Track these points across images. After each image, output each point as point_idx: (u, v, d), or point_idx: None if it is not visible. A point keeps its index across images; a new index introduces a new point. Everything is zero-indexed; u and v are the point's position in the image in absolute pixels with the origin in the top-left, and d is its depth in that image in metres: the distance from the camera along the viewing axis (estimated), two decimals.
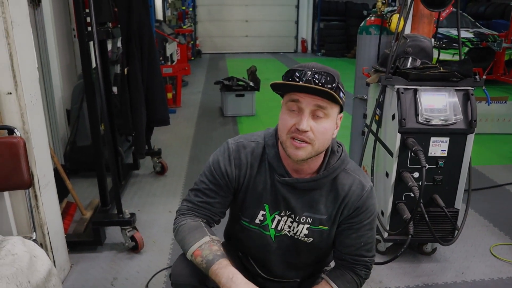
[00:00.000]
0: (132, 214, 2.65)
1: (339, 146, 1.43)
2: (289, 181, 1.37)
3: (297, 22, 15.37)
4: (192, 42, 12.38)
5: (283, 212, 1.42)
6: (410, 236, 2.31)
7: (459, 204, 2.46)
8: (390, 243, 2.64)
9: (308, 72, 1.24)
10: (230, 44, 15.20)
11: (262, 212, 1.43)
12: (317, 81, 1.23)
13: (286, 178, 1.37)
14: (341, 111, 1.32)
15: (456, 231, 2.46)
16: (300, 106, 1.25)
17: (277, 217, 1.43)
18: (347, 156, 1.44)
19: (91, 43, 2.53)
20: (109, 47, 3.50)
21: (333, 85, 1.24)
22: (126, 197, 3.44)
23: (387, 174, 2.47)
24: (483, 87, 2.39)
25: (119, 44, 3.55)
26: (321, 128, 1.26)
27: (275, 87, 1.28)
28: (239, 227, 1.51)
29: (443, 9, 2.54)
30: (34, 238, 2.01)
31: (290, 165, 1.37)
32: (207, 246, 1.34)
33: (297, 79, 1.24)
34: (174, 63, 7.55)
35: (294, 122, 1.26)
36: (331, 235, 1.46)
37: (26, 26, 2.04)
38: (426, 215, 2.30)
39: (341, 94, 1.28)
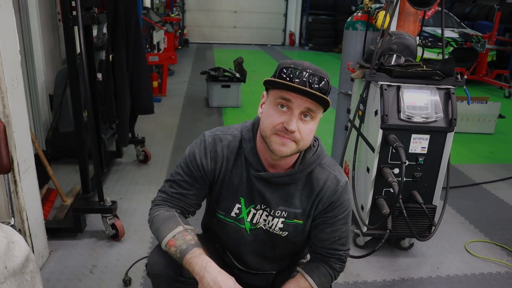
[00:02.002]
0: (114, 202, 2.64)
1: (315, 141, 1.44)
2: (264, 176, 1.38)
3: (285, 15, 15.34)
4: (179, 31, 12.26)
5: (259, 205, 1.43)
6: (388, 231, 2.35)
7: (437, 201, 2.51)
8: (369, 237, 2.69)
9: (304, 73, 1.24)
10: (218, 34, 15.09)
11: (237, 205, 1.44)
12: (312, 84, 1.23)
13: (261, 173, 1.38)
14: (324, 111, 1.33)
15: (433, 227, 2.52)
16: (291, 106, 1.25)
17: (253, 211, 1.44)
18: (323, 151, 1.45)
19: (76, 28, 2.49)
20: (95, 33, 3.45)
21: (327, 89, 1.26)
22: (108, 185, 3.42)
23: (368, 169, 2.51)
24: (464, 87, 2.43)
25: (105, 30, 3.50)
26: (307, 129, 1.28)
27: (269, 82, 1.28)
28: (215, 220, 1.52)
29: (429, 8, 2.58)
30: (12, 223, 1.99)
31: (267, 160, 1.37)
32: (181, 236, 1.34)
33: (291, 77, 1.24)
34: (160, 52, 7.47)
35: (282, 120, 1.26)
36: (305, 229, 1.48)
37: (8, 8, 2.00)
38: (404, 211, 2.34)
39: (329, 96, 1.29)
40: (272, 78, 1.27)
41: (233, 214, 1.46)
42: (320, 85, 1.24)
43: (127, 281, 2.27)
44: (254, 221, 1.46)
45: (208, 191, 1.48)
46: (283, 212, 1.43)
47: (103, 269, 2.40)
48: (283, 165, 1.38)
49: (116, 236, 2.64)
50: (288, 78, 1.24)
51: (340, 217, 1.44)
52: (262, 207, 1.44)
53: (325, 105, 1.26)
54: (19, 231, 2.16)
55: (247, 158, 1.40)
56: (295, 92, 1.22)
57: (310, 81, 1.23)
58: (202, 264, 1.26)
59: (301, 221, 1.45)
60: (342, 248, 1.49)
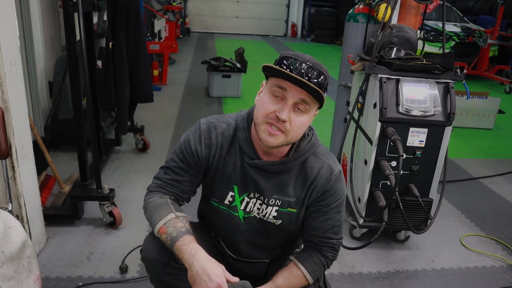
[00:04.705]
0: (111, 190, 2.65)
1: (310, 130, 1.45)
2: (258, 164, 1.39)
3: (288, 6, 15.23)
4: (181, 19, 12.18)
5: (252, 194, 1.44)
6: (384, 223, 2.37)
7: (434, 194, 2.53)
8: (365, 229, 2.70)
9: (303, 64, 1.25)
10: (220, 24, 15.00)
11: (231, 193, 1.45)
12: (310, 76, 1.24)
13: (255, 161, 1.39)
14: (319, 108, 1.34)
15: (429, 221, 2.53)
16: (285, 95, 1.25)
17: (246, 199, 1.45)
18: (318, 140, 1.45)
19: (76, 14, 2.48)
20: (95, 20, 3.43)
21: (324, 84, 1.26)
22: (107, 173, 3.43)
23: (365, 162, 2.52)
24: (463, 81, 2.43)
25: (105, 17, 3.48)
26: (299, 121, 1.28)
27: (267, 69, 1.28)
28: (209, 207, 1.53)
29: (430, 2, 2.57)
30: (9, 209, 2.00)
31: (261, 148, 1.38)
32: (172, 223, 1.36)
33: (291, 68, 1.24)
34: (162, 40, 7.44)
35: (275, 109, 1.27)
36: (299, 218, 1.49)
37: None
38: (400, 204, 2.35)
39: (325, 93, 1.29)
40: (271, 65, 1.27)
41: (226, 202, 1.47)
42: (318, 79, 1.25)
43: (123, 269, 2.29)
44: (248, 210, 1.47)
45: (203, 178, 1.49)
46: (277, 201, 1.44)
47: (100, 256, 2.42)
48: (277, 153, 1.39)
49: (113, 223, 2.66)
50: (287, 68, 1.25)
51: (334, 205, 1.45)
52: (256, 196, 1.45)
53: (319, 100, 1.26)
54: (17, 216, 2.17)
55: (241, 146, 1.41)
56: (291, 81, 1.23)
57: (309, 74, 1.24)
58: (192, 251, 1.27)
59: (295, 210, 1.46)
60: (335, 237, 1.50)
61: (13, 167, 2.10)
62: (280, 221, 1.47)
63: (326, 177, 1.41)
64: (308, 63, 1.25)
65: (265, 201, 1.45)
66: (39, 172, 2.50)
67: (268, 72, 1.30)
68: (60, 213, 2.70)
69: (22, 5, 3.11)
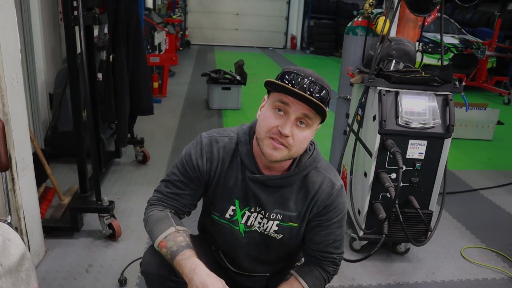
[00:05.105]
0: (111, 202, 2.64)
1: (311, 144, 1.45)
2: (259, 178, 1.39)
3: (287, 18, 15.36)
4: (181, 32, 12.28)
5: (253, 208, 1.44)
6: (384, 235, 2.36)
7: (434, 206, 2.52)
8: (365, 242, 2.69)
9: (305, 79, 1.25)
10: (219, 36, 15.11)
11: (232, 207, 1.45)
12: (312, 91, 1.25)
13: (257, 175, 1.39)
14: (321, 122, 1.34)
15: (429, 233, 2.52)
16: (288, 110, 1.26)
17: (247, 213, 1.45)
18: (319, 154, 1.46)
19: (77, 27, 2.50)
20: (96, 32, 3.46)
21: (326, 99, 1.27)
22: (106, 185, 3.42)
23: (365, 174, 2.52)
24: (462, 93, 2.44)
25: (106, 30, 3.51)
26: (301, 136, 1.29)
27: (269, 84, 1.29)
28: (210, 221, 1.52)
29: (428, 15, 2.59)
30: (9, 221, 1.99)
31: (263, 162, 1.38)
32: (172, 237, 1.35)
33: (293, 83, 1.25)
34: (162, 53, 7.49)
35: (277, 123, 1.27)
36: (300, 232, 1.48)
37: (10, 6, 2.02)
38: (400, 216, 2.34)
39: (328, 108, 1.30)
40: (273, 80, 1.28)
41: (227, 215, 1.46)
42: (321, 94, 1.26)
43: (122, 281, 2.27)
44: (249, 224, 1.47)
45: (204, 191, 1.49)
46: (278, 215, 1.44)
47: (99, 268, 2.40)
48: (278, 168, 1.39)
49: (112, 236, 2.65)
50: (289, 83, 1.25)
51: (335, 220, 1.44)
52: (257, 210, 1.44)
53: (322, 114, 1.27)
54: (16, 229, 2.17)
55: (243, 161, 1.41)
56: (293, 96, 1.23)
57: (311, 89, 1.25)
58: (192, 266, 1.27)
59: (296, 224, 1.46)
60: (336, 251, 1.49)
61: (13, 179, 2.11)
62: (281, 235, 1.47)
63: (328, 191, 1.41)
64: (310, 78, 1.26)
65: (266, 215, 1.44)
66: (38, 184, 2.50)
67: (271, 87, 1.30)
68: (60, 225, 2.69)
69: (24, 18, 3.13)
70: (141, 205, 3.11)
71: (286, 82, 1.25)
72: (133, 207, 3.10)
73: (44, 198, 2.94)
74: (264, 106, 1.35)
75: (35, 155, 2.50)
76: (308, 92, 1.24)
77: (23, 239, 1.84)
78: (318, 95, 1.25)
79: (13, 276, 1.57)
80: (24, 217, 2.21)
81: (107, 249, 2.59)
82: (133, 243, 2.66)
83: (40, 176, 2.69)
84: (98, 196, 2.63)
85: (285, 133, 1.25)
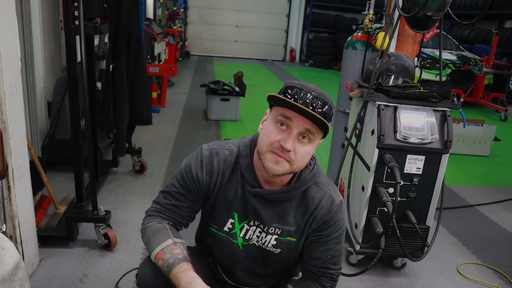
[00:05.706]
0: (107, 212, 2.63)
1: (312, 159, 1.45)
2: (259, 192, 1.38)
3: (287, 31, 15.48)
4: (181, 43, 12.34)
5: (252, 221, 1.43)
6: (381, 250, 2.35)
7: (431, 221, 2.52)
8: (362, 256, 2.68)
9: (308, 94, 1.26)
10: (219, 47, 15.20)
11: (231, 220, 1.44)
12: (314, 106, 1.25)
13: (256, 189, 1.38)
14: (323, 137, 1.34)
15: (426, 248, 2.51)
16: (290, 125, 1.26)
17: (246, 226, 1.44)
18: (320, 169, 1.45)
19: (77, 36, 2.51)
20: (96, 42, 3.47)
21: (329, 114, 1.27)
22: (103, 194, 3.41)
23: (363, 188, 2.51)
24: (460, 110, 2.45)
25: (106, 39, 3.53)
26: (303, 151, 1.28)
27: (272, 98, 1.29)
28: (208, 233, 1.52)
29: (427, 31, 2.61)
30: (4, 230, 1.98)
31: (263, 176, 1.38)
32: (169, 249, 1.34)
33: (296, 97, 1.25)
34: (161, 63, 7.51)
35: (279, 138, 1.27)
36: (298, 247, 1.48)
37: (11, 15, 2.02)
38: (397, 231, 2.34)
39: (330, 123, 1.30)
40: (276, 94, 1.28)
41: (226, 228, 1.46)
42: (323, 109, 1.26)
43: None
44: (247, 237, 1.46)
45: (203, 204, 1.49)
46: (277, 229, 1.43)
47: (94, 278, 2.38)
48: (278, 182, 1.39)
49: (108, 246, 2.63)
50: (292, 98, 1.25)
51: (333, 236, 1.44)
52: (256, 224, 1.44)
53: (324, 129, 1.26)
54: (10, 237, 2.15)
55: (243, 174, 1.40)
56: (296, 111, 1.23)
57: (314, 104, 1.25)
58: (188, 280, 1.26)
59: (295, 239, 1.45)
60: (334, 267, 1.48)
61: (9, 187, 2.09)
62: (279, 249, 1.46)
63: (327, 207, 1.41)
64: (313, 93, 1.26)
65: (265, 229, 1.44)
66: (34, 192, 2.48)
67: (273, 101, 1.30)
68: (55, 234, 2.67)
69: (25, 27, 3.15)
70: (137, 215, 3.10)
71: (289, 96, 1.26)
72: (129, 217, 3.08)
73: (39, 207, 2.92)
74: (266, 120, 1.35)
75: (32, 163, 2.48)
76: (311, 107, 1.24)
77: (17, 248, 1.82)
78: (320, 110, 1.25)
79: (6, 285, 1.55)
80: (19, 226, 2.19)
81: (102, 259, 2.56)
82: (129, 254, 2.64)
83: (36, 184, 2.68)
84: (95, 206, 2.62)
85: (287, 148, 1.25)
